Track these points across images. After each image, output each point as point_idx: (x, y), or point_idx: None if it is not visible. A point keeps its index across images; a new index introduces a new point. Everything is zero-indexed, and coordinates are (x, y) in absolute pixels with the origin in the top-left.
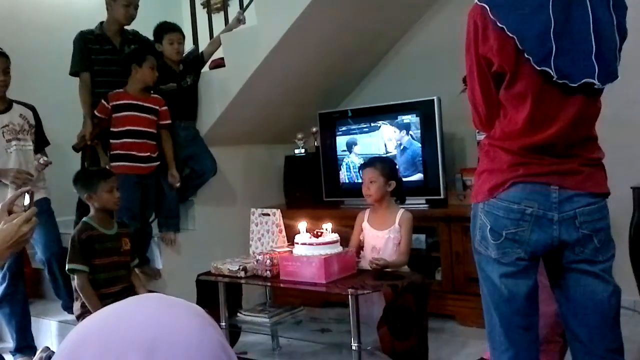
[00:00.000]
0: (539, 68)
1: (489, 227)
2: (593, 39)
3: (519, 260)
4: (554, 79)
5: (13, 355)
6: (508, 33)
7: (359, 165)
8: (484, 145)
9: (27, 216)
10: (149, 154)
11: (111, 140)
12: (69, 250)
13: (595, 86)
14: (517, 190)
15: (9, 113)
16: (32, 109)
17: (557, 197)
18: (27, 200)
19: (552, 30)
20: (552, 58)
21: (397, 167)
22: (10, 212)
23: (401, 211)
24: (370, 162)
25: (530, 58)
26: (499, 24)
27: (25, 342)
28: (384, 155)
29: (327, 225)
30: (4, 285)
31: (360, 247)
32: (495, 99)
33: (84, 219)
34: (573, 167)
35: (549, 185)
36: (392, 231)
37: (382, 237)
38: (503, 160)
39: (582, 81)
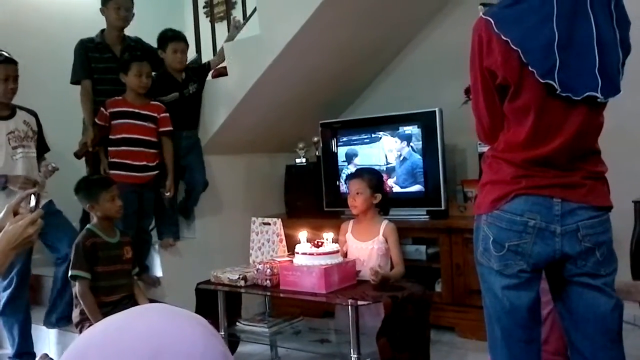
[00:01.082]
0: (542, 81)
1: (491, 238)
2: (596, 53)
3: (521, 272)
4: (558, 92)
5: None
6: (512, 46)
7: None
8: (487, 157)
9: (32, 218)
10: (145, 163)
11: (109, 148)
12: (73, 256)
13: (598, 100)
14: (520, 202)
15: (14, 119)
16: (35, 114)
17: (559, 209)
18: (33, 202)
19: (556, 43)
20: (556, 71)
21: (383, 179)
22: (15, 214)
23: (385, 222)
24: (358, 173)
25: (534, 71)
26: (503, 37)
27: (26, 348)
28: (372, 167)
29: (329, 235)
30: (10, 290)
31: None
32: (499, 111)
33: (88, 226)
34: (576, 180)
35: (551, 198)
36: (376, 242)
37: (366, 249)
38: (506, 172)
39: (585, 94)
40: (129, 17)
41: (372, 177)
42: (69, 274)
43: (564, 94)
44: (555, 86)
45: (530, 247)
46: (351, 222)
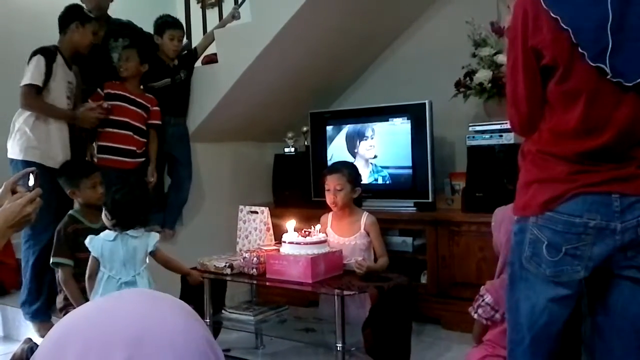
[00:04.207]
0: (593, 64)
1: (545, 243)
2: None
3: (575, 282)
4: (608, 77)
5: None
6: (562, 25)
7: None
8: (529, 153)
9: (31, 197)
10: (134, 148)
11: (99, 129)
12: (54, 243)
13: None
14: (578, 203)
15: (73, 72)
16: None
17: (619, 205)
18: (31, 180)
19: (609, 24)
20: (608, 54)
21: (359, 171)
22: (13, 192)
23: (365, 215)
24: (336, 167)
25: (585, 53)
26: (552, 14)
27: None
28: (347, 160)
29: (318, 226)
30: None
31: None
32: (540, 96)
33: (70, 212)
34: (632, 172)
35: (610, 194)
36: (359, 237)
37: (349, 244)
38: (557, 170)
39: (638, 81)
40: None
41: (351, 170)
42: (50, 261)
43: (614, 80)
44: (607, 70)
45: (589, 248)
46: (330, 214)
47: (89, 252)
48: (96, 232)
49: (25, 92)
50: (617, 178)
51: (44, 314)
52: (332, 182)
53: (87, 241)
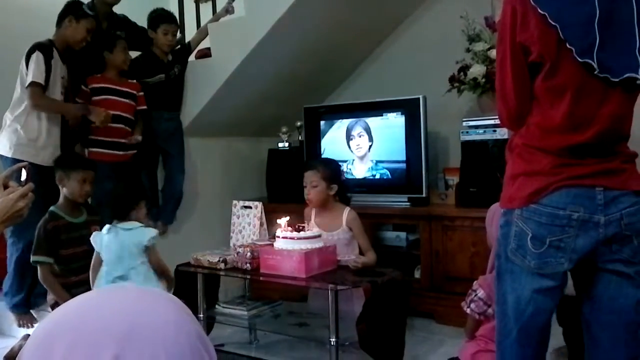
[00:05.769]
0: (581, 60)
1: (530, 235)
2: (637, 33)
3: (559, 274)
4: (595, 73)
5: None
6: (550, 21)
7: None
8: (517, 146)
9: (23, 191)
10: (125, 141)
11: (91, 125)
12: (34, 241)
13: (638, 82)
14: (562, 195)
15: (65, 67)
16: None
17: (602, 199)
18: (24, 175)
19: (596, 20)
20: (595, 50)
21: (340, 168)
22: (5, 187)
23: (346, 210)
24: (312, 164)
25: (573, 49)
26: (540, 10)
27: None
28: (327, 157)
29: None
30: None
31: None
32: (528, 91)
33: (51, 208)
34: (616, 166)
35: (593, 188)
36: (341, 232)
37: (332, 239)
38: (543, 163)
39: (625, 76)
40: None
41: (327, 167)
42: (31, 259)
43: (601, 75)
44: (594, 66)
45: (573, 240)
46: (313, 209)
47: (72, 248)
48: (79, 226)
49: (32, 92)
50: (601, 172)
51: (23, 306)
52: (307, 178)
53: (91, 237)
